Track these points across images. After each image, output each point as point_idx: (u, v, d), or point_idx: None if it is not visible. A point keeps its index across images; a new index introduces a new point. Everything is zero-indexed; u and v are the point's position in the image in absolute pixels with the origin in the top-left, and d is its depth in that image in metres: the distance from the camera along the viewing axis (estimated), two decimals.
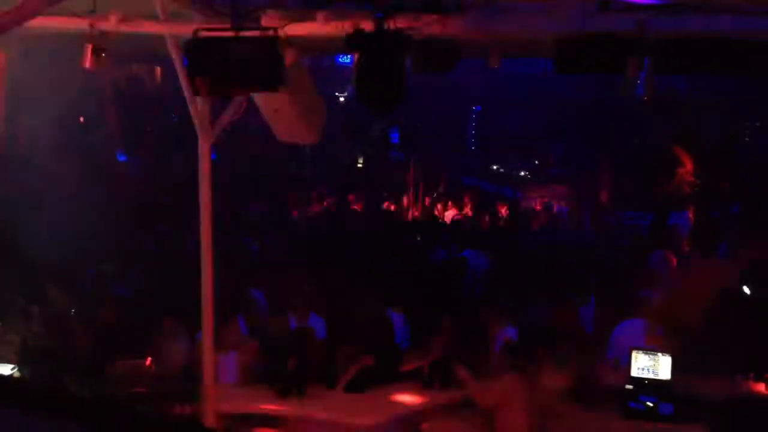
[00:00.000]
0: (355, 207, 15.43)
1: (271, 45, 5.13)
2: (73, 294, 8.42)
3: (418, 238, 12.86)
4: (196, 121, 6.29)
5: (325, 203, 15.28)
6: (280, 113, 6.22)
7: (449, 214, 15.61)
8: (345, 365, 7.32)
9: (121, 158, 19.49)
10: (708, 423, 6.60)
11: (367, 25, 5.15)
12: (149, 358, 7.10)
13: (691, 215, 14.60)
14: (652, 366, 7.20)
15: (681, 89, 16.84)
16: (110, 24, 5.79)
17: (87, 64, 5.88)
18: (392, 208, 16.21)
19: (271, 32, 5.16)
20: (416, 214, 16.11)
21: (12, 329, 7.23)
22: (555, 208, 17.47)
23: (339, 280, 9.60)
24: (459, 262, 10.87)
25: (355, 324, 7.99)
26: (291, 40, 5.49)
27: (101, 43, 5.82)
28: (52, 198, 12.21)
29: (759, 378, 7.30)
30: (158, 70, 19.38)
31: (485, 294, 9.89)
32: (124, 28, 5.87)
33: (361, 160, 22.13)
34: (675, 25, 4.95)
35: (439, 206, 16.31)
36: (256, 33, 5.17)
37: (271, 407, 6.89)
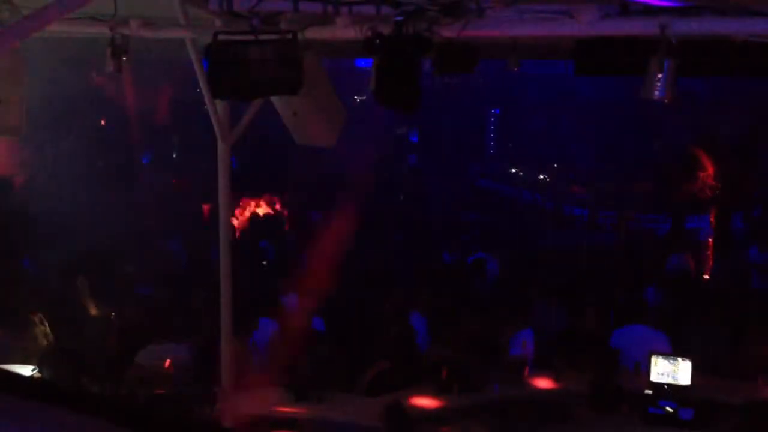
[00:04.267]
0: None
1: (291, 48, 5.15)
2: (98, 294, 8.49)
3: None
4: (215, 124, 6.33)
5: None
6: (299, 116, 6.23)
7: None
8: (358, 368, 7.30)
9: (145, 160, 19.72)
10: (728, 428, 6.54)
11: (387, 29, 5.15)
12: (168, 360, 7.12)
13: (712, 219, 14.50)
14: (671, 371, 7.14)
15: (700, 91, 16.72)
16: (131, 28, 5.83)
17: (108, 69, 5.92)
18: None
19: (290, 36, 5.17)
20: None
21: (26, 336, 7.29)
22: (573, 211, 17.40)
23: (355, 283, 9.62)
24: (476, 264, 10.83)
25: (375, 327, 7.98)
26: (310, 44, 5.50)
27: (122, 47, 5.85)
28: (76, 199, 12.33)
29: None
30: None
31: (501, 296, 9.84)
32: (145, 33, 5.91)
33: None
34: (695, 27, 4.91)
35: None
36: (275, 36, 5.18)
37: (289, 409, 6.90)
